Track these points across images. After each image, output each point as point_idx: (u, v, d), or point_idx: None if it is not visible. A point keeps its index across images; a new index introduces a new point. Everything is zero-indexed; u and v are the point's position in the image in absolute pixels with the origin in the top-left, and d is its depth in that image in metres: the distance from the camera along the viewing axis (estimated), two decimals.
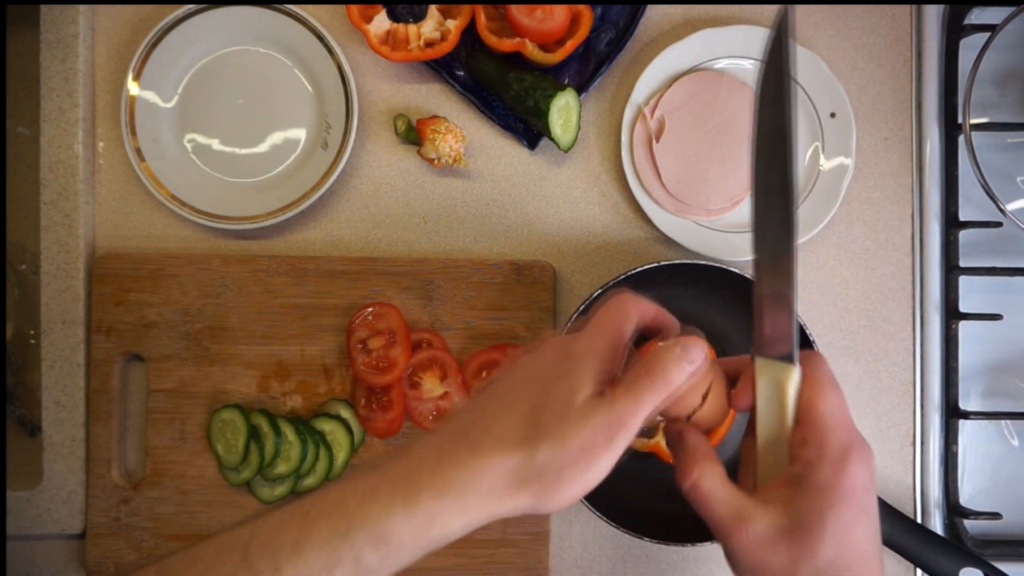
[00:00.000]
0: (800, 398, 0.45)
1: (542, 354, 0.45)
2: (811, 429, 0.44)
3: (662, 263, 0.68)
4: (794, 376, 0.45)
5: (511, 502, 0.40)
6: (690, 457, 0.46)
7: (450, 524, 0.39)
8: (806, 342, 0.66)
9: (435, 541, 0.39)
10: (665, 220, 0.73)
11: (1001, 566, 0.67)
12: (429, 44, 0.71)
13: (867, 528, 0.43)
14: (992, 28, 0.69)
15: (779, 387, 0.45)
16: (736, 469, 0.49)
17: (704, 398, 0.47)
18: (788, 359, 0.45)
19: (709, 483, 0.45)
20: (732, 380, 0.48)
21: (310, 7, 0.73)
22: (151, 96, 0.73)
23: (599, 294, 0.66)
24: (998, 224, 0.72)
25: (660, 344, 0.46)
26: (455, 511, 0.38)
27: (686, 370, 0.44)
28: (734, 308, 0.70)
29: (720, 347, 0.71)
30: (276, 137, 0.74)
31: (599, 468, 0.41)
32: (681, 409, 0.47)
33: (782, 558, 0.43)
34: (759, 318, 0.47)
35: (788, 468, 0.45)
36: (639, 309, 0.47)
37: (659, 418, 0.48)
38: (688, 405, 0.47)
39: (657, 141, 0.72)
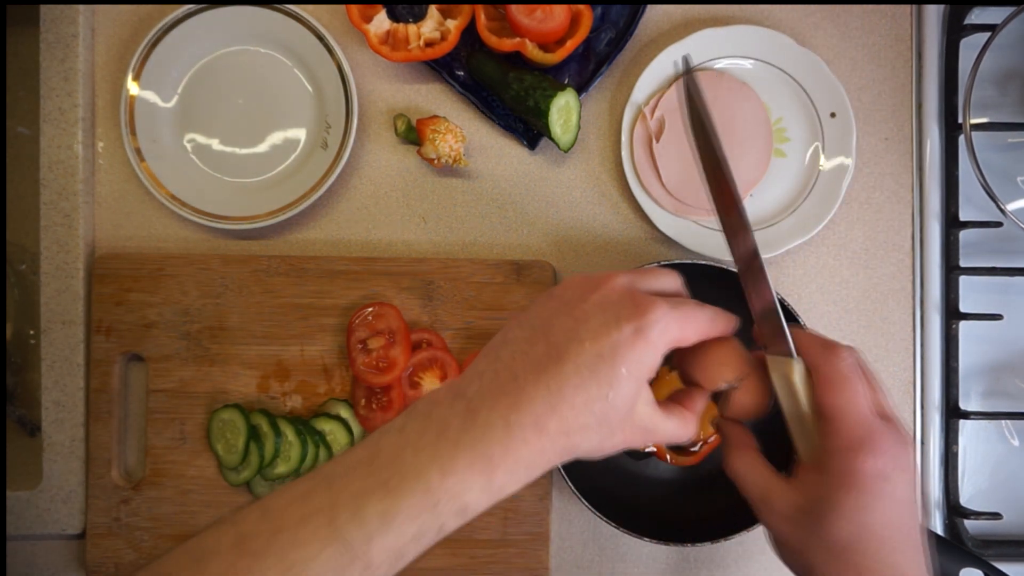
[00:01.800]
0: (815, 392, 0.48)
1: (587, 310, 0.46)
2: (824, 421, 0.48)
3: (662, 263, 0.68)
4: (796, 368, 0.49)
5: (557, 464, 0.46)
6: (729, 446, 0.53)
7: (513, 489, 0.43)
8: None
9: (500, 500, 0.43)
10: (665, 220, 0.73)
11: (1001, 566, 0.67)
12: (429, 44, 0.71)
13: (884, 512, 0.46)
14: (992, 28, 0.69)
15: (787, 379, 0.50)
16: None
17: (733, 391, 0.51)
18: (787, 354, 0.50)
19: (743, 468, 0.51)
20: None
21: (310, 7, 0.73)
22: (151, 96, 0.73)
23: None
24: (998, 224, 0.72)
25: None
26: (521, 480, 0.43)
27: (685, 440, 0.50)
28: (734, 308, 0.69)
29: None
30: (276, 137, 0.74)
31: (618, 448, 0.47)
32: (710, 383, 0.51)
33: (800, 534, 0.48)
34: (756, 322, 0.52)
35: (819, 452, 0.48)
36: (697, 332, 0.49)
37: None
38: (716, 380, 0.51)
39: (657, 141, 0.72)
